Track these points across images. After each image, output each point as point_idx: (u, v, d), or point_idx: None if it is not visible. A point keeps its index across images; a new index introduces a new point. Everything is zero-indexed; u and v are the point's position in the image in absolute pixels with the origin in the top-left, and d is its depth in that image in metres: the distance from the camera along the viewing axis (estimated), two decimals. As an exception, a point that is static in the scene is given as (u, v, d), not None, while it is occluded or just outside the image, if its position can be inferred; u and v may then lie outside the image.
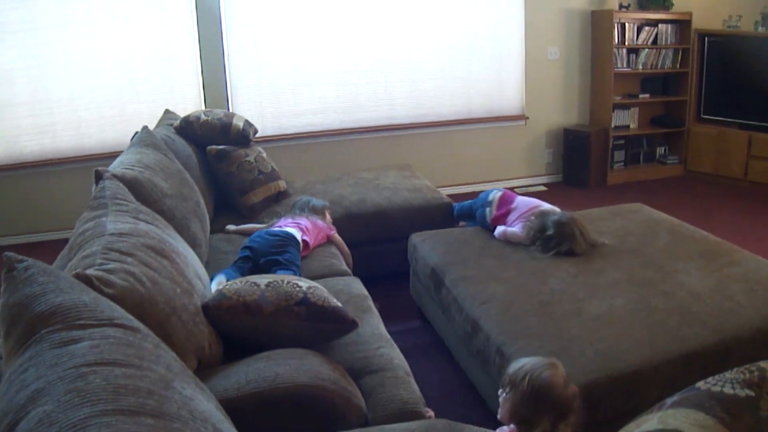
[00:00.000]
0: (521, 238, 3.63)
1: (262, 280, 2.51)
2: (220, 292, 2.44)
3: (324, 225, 3.85)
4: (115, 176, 2.77)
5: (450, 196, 4.69)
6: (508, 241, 3.67)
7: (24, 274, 1.53)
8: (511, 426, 2.10)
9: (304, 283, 2.53)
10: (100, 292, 1.83)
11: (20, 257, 1.57)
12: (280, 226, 3.64)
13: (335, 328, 2.47)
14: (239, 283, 2.49)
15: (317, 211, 3.93)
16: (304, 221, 3.72)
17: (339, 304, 2.50)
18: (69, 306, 1.49)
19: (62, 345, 1.38)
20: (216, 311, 2.38)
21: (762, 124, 6.32)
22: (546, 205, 3.84)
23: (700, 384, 1.30)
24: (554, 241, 3.46)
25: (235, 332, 2.44)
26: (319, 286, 2.58)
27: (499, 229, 3.74)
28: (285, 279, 2.53)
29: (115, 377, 1.29)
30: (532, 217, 3.66)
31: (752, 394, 1.20)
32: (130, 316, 1.65)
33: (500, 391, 2.12)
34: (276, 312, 2.39)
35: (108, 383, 1.26)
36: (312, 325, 2.42)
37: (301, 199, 4.10)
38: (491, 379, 2.77)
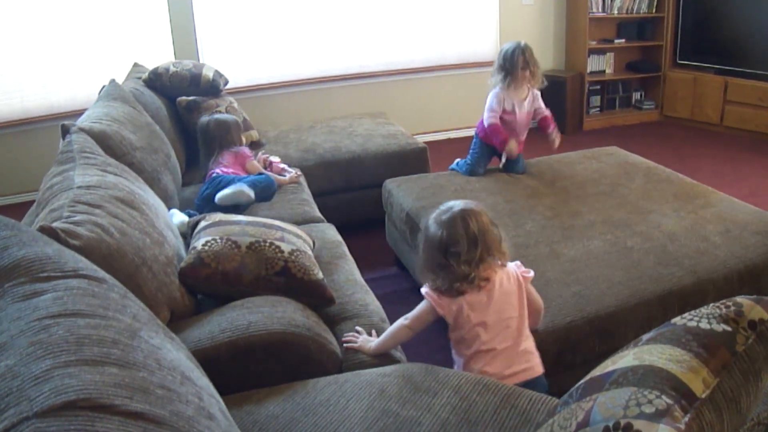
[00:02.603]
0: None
1: (244, 239, 2.43)
2: (198, 255, 2.36)
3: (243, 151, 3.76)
4: (82, 130, 2.71)
5: (425, 143, 4.64)
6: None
7: (-16, 229, 1.49)
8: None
9: (287, 246, 2.46)
10: (66, 244, 1.80)
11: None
12: (223, 170, 3.60)
13: (312, 302, 2.43)
14: (219, 242, 2.40)
15: (229, 142, 3.74)
16: (231, 164, 3.65)
17: (320, 276, 2.44)
18: (32, 259, 1.46)
19: (25, 298, 1.35)
20: (193, 281, 2.33)
21: (738, 69, 6.28)
22: None
23: (676, 320, 1.28)
24: None
25: (210, 294, 2.41)
26: (304, 249, 2.53)
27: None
28: (268, 238, 2.46)
29: (78, 328, 1.26)
30: None
31: (729, 329, 1.19)
32: (96, 267, 1.61)
33: None
34: (255, 281, 2.36)
35: (71, 334, 1.24)
36: (289, 296, 2.39)
37: (208, 127, 3.77)
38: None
